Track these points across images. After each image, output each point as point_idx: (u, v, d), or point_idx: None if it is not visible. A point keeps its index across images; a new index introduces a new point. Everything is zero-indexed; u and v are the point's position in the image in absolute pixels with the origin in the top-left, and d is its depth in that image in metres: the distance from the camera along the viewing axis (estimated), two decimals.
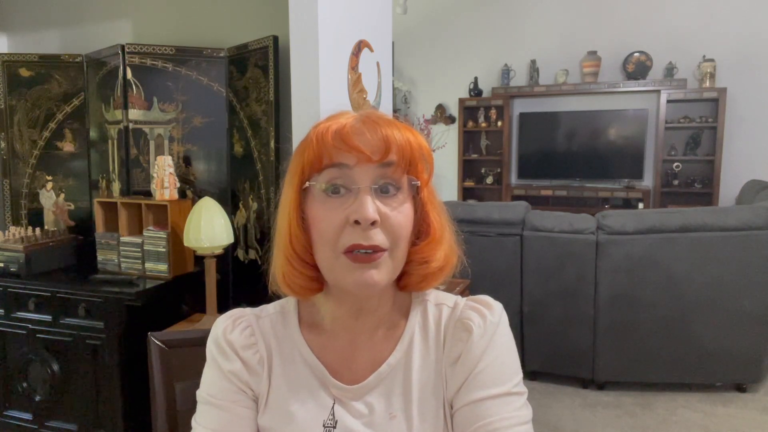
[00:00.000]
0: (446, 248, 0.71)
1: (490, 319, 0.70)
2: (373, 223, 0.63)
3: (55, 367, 2.08)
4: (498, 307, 0.72)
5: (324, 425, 0.69)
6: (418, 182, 0.68)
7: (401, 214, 0.66)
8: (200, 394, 0.73)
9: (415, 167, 0.67)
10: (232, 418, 0.71)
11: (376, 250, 0.64)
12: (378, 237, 0.64)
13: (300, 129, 1.82)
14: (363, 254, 0.63)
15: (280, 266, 0.70)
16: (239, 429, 0.71)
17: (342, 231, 0.64)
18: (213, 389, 0.72)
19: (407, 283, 0.71)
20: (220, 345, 0.73)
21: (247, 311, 0.76)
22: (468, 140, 5.84)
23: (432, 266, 0.70)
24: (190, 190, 2.32)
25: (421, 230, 0.70)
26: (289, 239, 0.68)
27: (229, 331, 0.73)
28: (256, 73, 2.12)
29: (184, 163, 2.30)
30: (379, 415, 0.69)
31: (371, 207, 0.63)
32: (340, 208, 0.64)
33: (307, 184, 0.66)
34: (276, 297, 0.75)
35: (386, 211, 0.64)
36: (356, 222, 0.63)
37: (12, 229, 2.26)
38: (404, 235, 0.66)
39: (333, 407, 0.70)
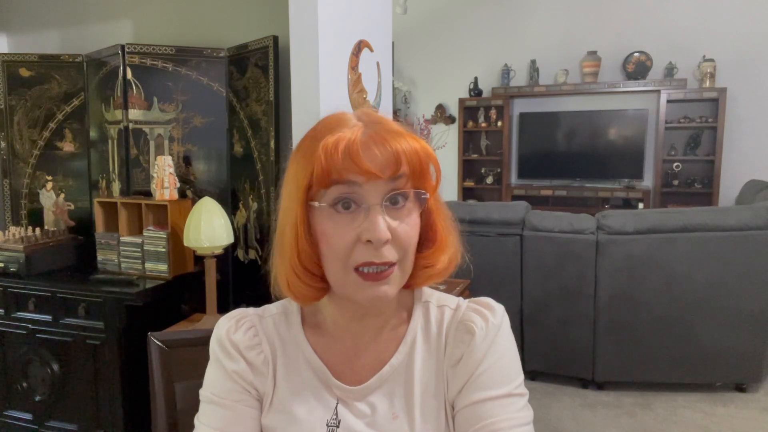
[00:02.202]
0: (450, 252, 0.71)
1: (492, 322, 0.70)
2: (386, 242, 0.63)
3: (55, 367, 2.08)
4: (500, 309, 0.72)
5: (327, 425, 0.69)
6: (427, 195, 0.67)
7: (409, 225, 0.66)
8: (204, 393, 0.73)
9: (424, 177, 0.67)
10: (236, 418, 0.71)
11: (388, 264, 0.64)
12: (389, 253, 0.64)
13: (300, 129, 1.82)
14: (374, 272, 0.64)
15: (284, 275, 0.69)
16: (243, 428, 0.71)
17: (353, 248, 0.63)
18: (217, 389, 0.72)
19: (411, 283, 0.72)
20: (224, 345, 0.73)
21: (250, 311, 0.76)
22: (468, 140, 5.84)
23: (436, 269, 0.71)
24: (190, 190, 2.32)
25: (427, 238, 0.70)
26: (297, 253, 0.66)
27: (233, 332, 0.73)
28: (256, 73, 2.12)
29: (184, 163, 2.30)
30: (382, 415, 0.69)
31: (383, 226, 0.62)
32: (351, 225, 0.63)
33: (316, 204, 0.65)
34: (278, 299, 0.75)
35: (395, 225, 0.64)
36: (368, 241, 0.63)
37: (12, 229, 2.26)
38: (412, 247, 0.67)
39: (336, 407, 0.70)
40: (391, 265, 0.64)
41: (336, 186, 0.63)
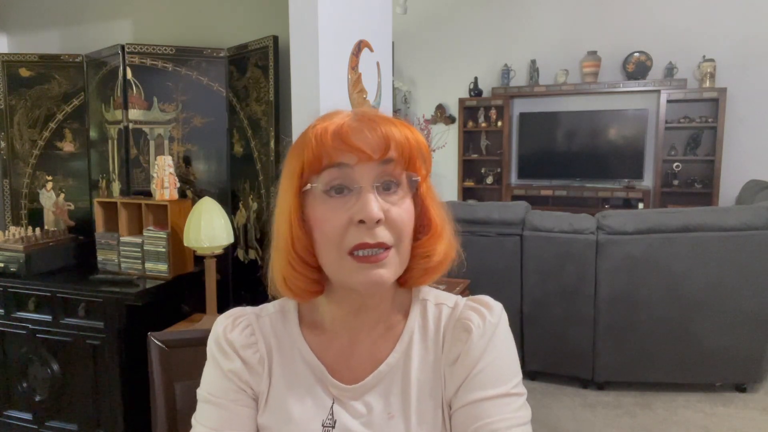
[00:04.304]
0: (446, 242, 0.71)
1: (489, 320, 0.70)
2: (378, 221, 0.63)
3: (55, 367, 2.08)
4: (498, 307, 0.72)
5: (323, 425, 0.69)
6: (418, 178, 0.68)
7: (403, 210, 0.66)
8: (200, 392, 0.74)
9: (414, 163, 0.67)
10: (232, 417, 0.71)
11: (382, 246, 0.64)
12: (383, 234, 0.64)
13: (300, 129, 1.81)
14: (369, 255, 0.64)
15: (280, 269, 0.69)
16: (239, 427, 0.71)
17: (347, 231, 0.64)
18: (213, 388, 0.72)
19: (408, 277, 0.71)
20: (220, 344, 0.73)
21: (248, 310, 0.76)
22: (468, 140, 5.84)
23: (433, 260, 0.70)
24: (190, 190, 2.32)
25: (422, 225, 0.70)
26: (291, 242, 0.67)
27: (230, 331, 0.74)
28: (256, 73, 2.12)
29: (184, 163, 2.30)
30: (378, 414, 0.69)
31: (375, 205, 0.63)
32: (343, 208, 0.64)
33: (308, 186, 0.66)
34: (275, 299, 0.75)
35: (389, 207, 0.65)
36: (361, 221, 0.63)
37: (12, 229, 2.26)
38: (407, 231, 0.67)
39: (332, 407, 0.70)
40: (386, 248, 0.64)
41: (328, 170, 0.64)
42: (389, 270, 0.65)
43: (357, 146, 0.63)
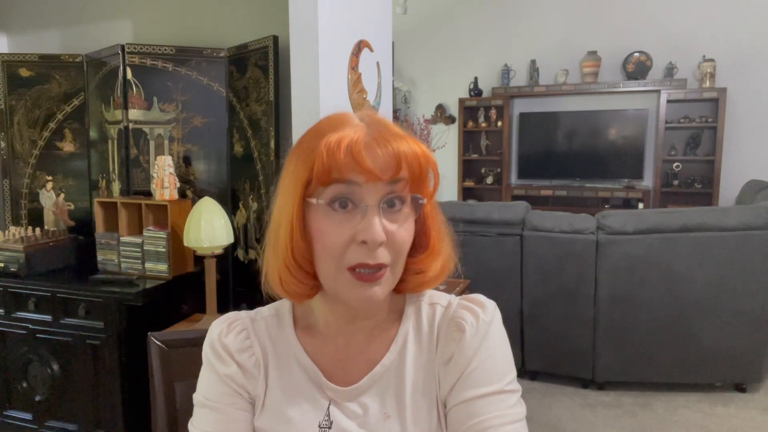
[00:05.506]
0: (443, 259, 0.71)
1: (483, 318, 0.70)
2: (380, 243, 0.63)
3: (55, 367, 2.08)
4: (491, 305, 0.72)
5: (320, 426, 0.69)
6: (424, 201, 0.67)
7: (405, 229, 0.65)
8: (196, 397, 0.74)
9: (423, 183, 0.67)
10: (229, 421, 0.71)
11: (381, 267, 0.64)
12: (383, 255, 0.64)
13: (300, 129, 1.82)
14: (367, 273, 0.63)
15: (277, 271, 0.69)
16: (235, 431, 0.71)
17: (348, 248, 0.63)
18: (209, 392, 0.72)
19: (402, 288, 0.71)
20: (215, 349, 0.73)
21: (242, 314, 0.77)
22: (468, 140, 5.84)
23: (428, 275, 0.70)
24: (190, 190, 2.32)
25: (420, 244, 0.70)
26: (291, 250, 0.66)
27: (225, 335, 0.73)
28: (256, 73, 2.12)
29: (184, 163, 2.30)
30: (374, 415, 0.69)
31: (380, 228, 0.62)
32: (347, 224, 0.63)
33: (314, 201, 0.64)
34: (270, 299, 0.75)
35: (392, 229, 0.64)
36: (363, 242, 0.62)
37: (12, 229, 2.26)
38: (406, 250, 0.67)
39: (328, 408, 0.70)
40: (384, 267, 0.64)
41: (335, 185, 0.63)
42: (384, 288, 0.65)
43: (368, 167, 0.62)
